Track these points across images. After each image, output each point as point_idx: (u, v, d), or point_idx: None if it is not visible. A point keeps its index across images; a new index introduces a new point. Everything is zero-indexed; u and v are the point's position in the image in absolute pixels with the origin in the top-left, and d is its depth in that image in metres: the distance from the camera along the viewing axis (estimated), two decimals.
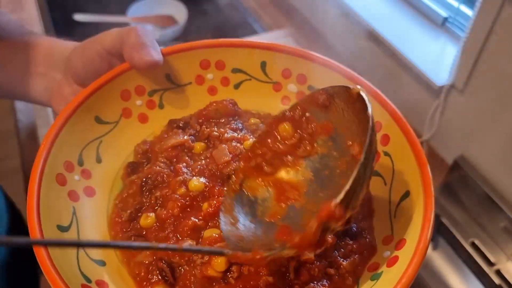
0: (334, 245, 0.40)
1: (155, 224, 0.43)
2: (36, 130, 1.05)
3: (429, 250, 0.96)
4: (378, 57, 1.15)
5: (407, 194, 0.42)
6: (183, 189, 0.43)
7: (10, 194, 0.89)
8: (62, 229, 0.40)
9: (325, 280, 0.39)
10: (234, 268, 0.39)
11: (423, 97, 1.06)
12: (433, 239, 0.96)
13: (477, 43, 0.88)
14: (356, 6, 1.16)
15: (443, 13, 1.09)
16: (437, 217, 0.97)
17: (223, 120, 0.51)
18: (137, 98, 0.51)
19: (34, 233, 0.37)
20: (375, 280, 0.39)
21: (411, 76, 1.06)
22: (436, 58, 1.04)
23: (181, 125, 0.50)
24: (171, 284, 0.40)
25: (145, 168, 0.47)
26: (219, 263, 0.39)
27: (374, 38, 1.12)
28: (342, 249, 0.41)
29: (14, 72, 0.55)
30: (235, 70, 0.53)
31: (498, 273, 0.91)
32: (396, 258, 0.38)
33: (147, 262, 0.41)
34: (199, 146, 0.48)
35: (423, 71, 1.00)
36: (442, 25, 1.10)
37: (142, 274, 0.41)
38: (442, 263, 0.94)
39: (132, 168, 0.48)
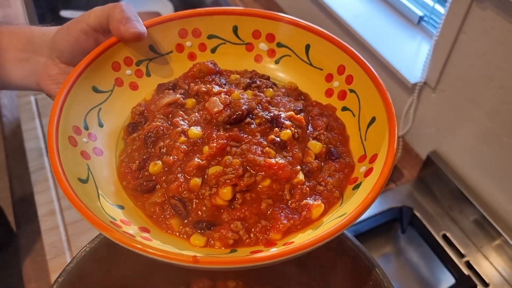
0: (320, 168, 0.48)
1: (163, 169, 0.47)
2: (20, 125, 1.06)
3: (402, 242, 0.99)
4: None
5: (373, 119, 0.49)
6: (183, 138, 0.48)
7: None
8: (82, 181, 0.45)
9: (316, 196, 0.46)
10: (238, 195, 0.45)
11: (398, 94, 1.09)
12: (406, 231, 0.99)
13: (447, 42, 0.91)
14: (334, 4, 1.18)
15: (419, 12, 1.12)
16: (410, 210, 1.00)
17: (207, 78, 0.57)
18: (127, 68, 0.56)
19: (63, 184, 0.42)
20: (356, 189, 0.45)
21: (387, 74, 1.09)
22: (411, 56, 1.07)
23: (170, 86, 0.56)
24: (184, 216, 0.45)
25: (145, 126, 0.52)
26: (226, 193, 0.44)
27: (351, 36, 1.15)
28: (327, 171, 0.48)
29: None
30: (210, 36, 0.59)
31: (468, 264, 0.94)
32: (371, 169, 0.45)
33: (159, 201, 0.46)
34: (190, 101, 0.53)
35: (398, 69, 1.02)
36: (418, 23, 1.13)
37: (157, 211, 0.46)
38: (414, 255, 0.98)
39: (132, 127, 0.53)
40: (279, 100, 0.53)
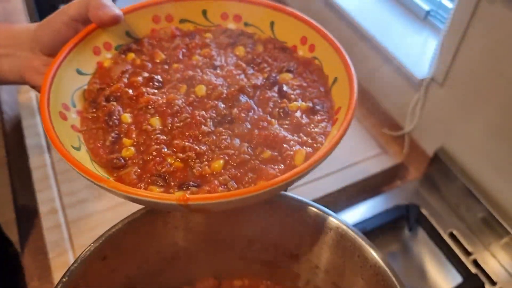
0: (307, 123, 0.51)
1: (136, 152, 0.48)
2: (20, 121, 1.05)
3: (409, 240, 0.98)
4: (361, 50, 1.16)
5: (335, 80, 0.55)
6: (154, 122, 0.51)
7: None
8: (76, 148, 0.48)
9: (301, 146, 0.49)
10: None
11: (404, 90, 1.07)
12: (412, 228, 0.98)
13: (455, 37, 0.90)
14: None
15: (426, 6, 1.10)
16: (416, 208, 0.99)
17: (181, 40, 0.61)
18: (107, 52, 0.60)
19: (61, 150, 0.44)
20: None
21: (393, 69, 1.07)
22: (418, 51, 1.05)
23: (128, 48, 0.59)
24: (165, 187, 0.45)
25: (102, 105, 0.53)
26: (217, 167, 0.45)
27: (357, 31, 1.13)
28: (311, 124, 0.51)
29: None
30: (182, 20, 0.63)
31: (475, 262, 0.93)
32: (336, 120, 0.51)
33: (134, 171, 0.46)
34: (129, 56, 0.59)
35: (404, 64, 1.01)
36: (424, 18, 1.11)
37: (135, 180, 0.46)
38: (421, 253, 0.96)
39: (93, 103, 0.54)
40: (268, 57, 0.58)
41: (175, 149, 0.47)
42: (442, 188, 1.02)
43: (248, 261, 0.67)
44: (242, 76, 0.55)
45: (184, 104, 0.51)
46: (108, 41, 0.59)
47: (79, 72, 0.56)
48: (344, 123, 0.47)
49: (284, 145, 0.48)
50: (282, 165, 0.46)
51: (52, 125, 0.46)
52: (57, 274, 0.78)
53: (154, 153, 0.47)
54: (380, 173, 1.01)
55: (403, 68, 1.02)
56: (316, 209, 0.55)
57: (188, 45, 0.59)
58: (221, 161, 0.46)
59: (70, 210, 0.86)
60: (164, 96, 0.52)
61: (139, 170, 0.46)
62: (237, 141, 0.48)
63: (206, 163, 0.46)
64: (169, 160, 0.46)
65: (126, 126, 0.50)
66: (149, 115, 0.51)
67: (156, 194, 0.41)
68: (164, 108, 0.51)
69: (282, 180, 0.42)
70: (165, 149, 0.47)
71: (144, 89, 0.53)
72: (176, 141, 0.48)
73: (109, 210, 0.86)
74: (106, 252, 0.52)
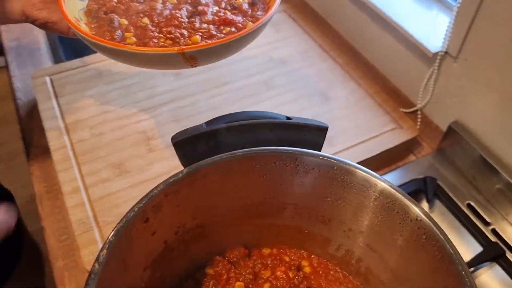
0: (249, 10, 0.76)
1: (137, 39, 0.68)
2: (36, 106, 1.05)
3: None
4: (374, 29, 1.17)
5: None
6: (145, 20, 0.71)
7: (15, 178, 0.89)
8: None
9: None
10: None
11: (417, 66, 1.08)
12: (430, 201, 0.98)
13: (470, 9, 0.90)
14: None
15: None
16: (434, 180, 1.00)
17: None
18: None
19: (93, 36, 0.65)
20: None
21: (406, 45, 1.08)
22: (431, 26, 1.06)
23: None
24: None
25: (103, 17, 0.72)
26: (196, 38, 0.69)
27: (368, 9, 1.14)
28: (254, 11, 0.76)
29: None
30: None
31: (494, 232, 0.94)
32: (269, 6, 0.75)
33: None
34: None
35: (417, 39, 1.02)
36: None
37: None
38: (440, 224, 0.97)
39: (95, 17, 0.74)
40: None
41: (164, 34, 0.68)
42: (457, 161, 1.03)
43: (278, 229, 0.67)
44: None
45: (163, 8, 0.72)
46: None
47: None
48: (275, 5, 0.71)
49: (238, 24, 0.71)
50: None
51: (76, 25, 0.66)
52: (85, 251, 0.78)
53: (151, 35, 0.68)
54: (394, 148, 1.02)
55: (416, 42, 1.02)
56: (348, 166, 0.56)
57: None
58: (198, 36, 0.68)
59: (93, 189, 0.86)
60: (148, 6, 0.73)
61: None
62: (205, 25, 0.71)
63: (188, 39, 0.68)
64: (161, 40, 0.67)
65: (125, 26, 0.70)
66: (140, 18, 0.71)
67: (162, 48, 0.62)
68: (150, 12, 0.72)
69: (247, 30, 0.65)
70: (157, 34, 0.68)
71: (131, 3, 0.74)
72: (164, 29, 0.69)
73: (131, 187, 0.86)
74: (148, 214, 0.52)
